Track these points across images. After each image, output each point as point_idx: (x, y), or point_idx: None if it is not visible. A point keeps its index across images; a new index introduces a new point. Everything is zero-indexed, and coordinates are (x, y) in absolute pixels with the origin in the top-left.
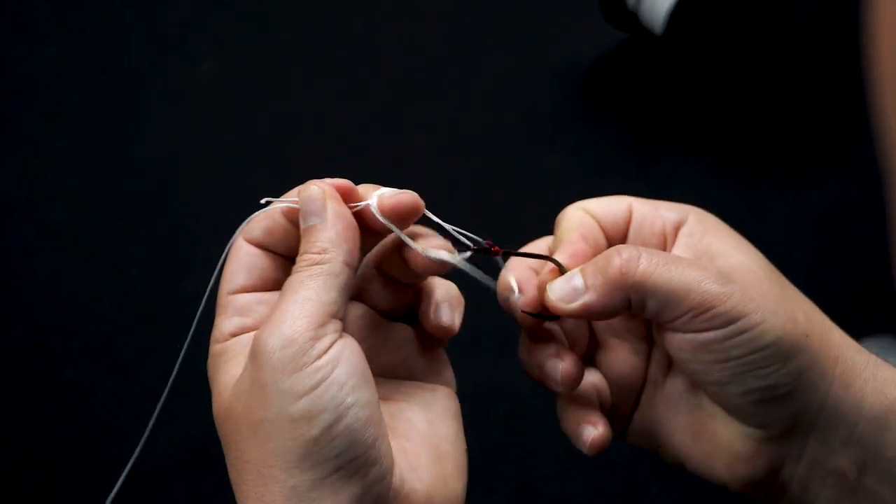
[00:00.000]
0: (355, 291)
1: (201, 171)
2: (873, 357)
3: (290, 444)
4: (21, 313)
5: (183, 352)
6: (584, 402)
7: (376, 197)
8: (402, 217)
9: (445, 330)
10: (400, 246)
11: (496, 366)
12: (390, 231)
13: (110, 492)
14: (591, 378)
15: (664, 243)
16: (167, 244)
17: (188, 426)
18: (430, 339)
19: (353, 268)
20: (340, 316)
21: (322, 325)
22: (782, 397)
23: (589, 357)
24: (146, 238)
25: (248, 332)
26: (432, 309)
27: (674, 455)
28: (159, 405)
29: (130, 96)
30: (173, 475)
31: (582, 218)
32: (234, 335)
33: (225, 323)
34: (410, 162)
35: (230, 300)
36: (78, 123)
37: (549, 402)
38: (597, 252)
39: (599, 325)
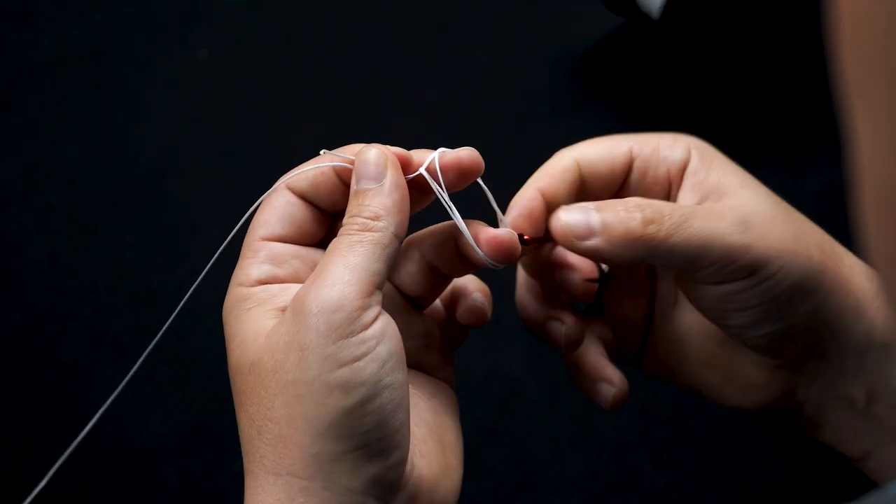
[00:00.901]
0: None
1: (198, 156)
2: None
3: (321, 411)
4: (18, 297)
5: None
6: (595, 359)
7: (435, 156)
8: (463, 176)
9: (480, 314)
10: (457, 236)
11: (493, 348)
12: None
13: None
14: (598, 331)
15: (668, 188)
16: (164, 229)
17: (182, 409)
18: (452, 333)
19: (401, 241)
20: (383, 288)
21: (369, 294)
22: (799, 333)
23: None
24: (143, 223)
25: (278, 282)
26: (470, 296)
27: (689, 384)
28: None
29: (128, 82)
30: (166, 457)
31: (564, 176)
32: (263, 283)
33: (254, 268)
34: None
35: (263, 245)
36: (75, 109)
37: (544, 385)
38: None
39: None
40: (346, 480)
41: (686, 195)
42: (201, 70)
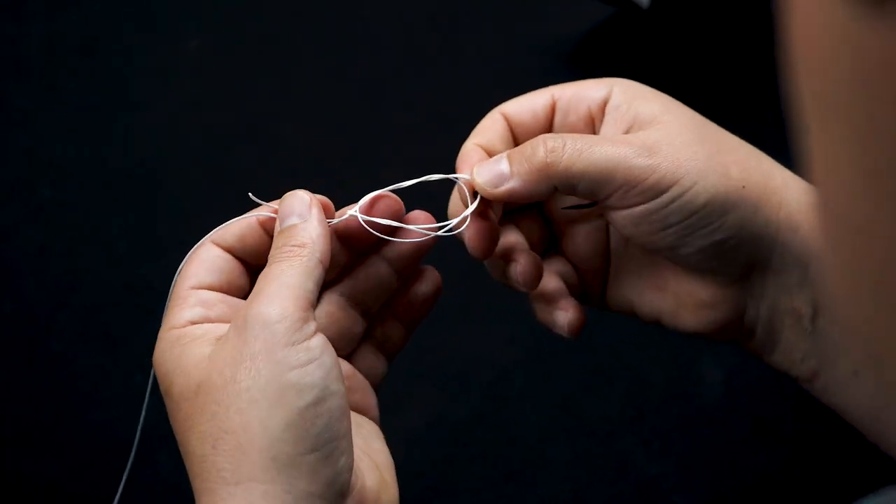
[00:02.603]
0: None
1: (188, 147)
2: None
3: (276, 413)
4: (8, 287)
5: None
6: (553, 291)
7: (356, 207)
8: (388, 209)
9: (432, 278)
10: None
11: (482, 334)
12: (372, 240)
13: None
14: (556, 267)
15: (592, 124)
16: (154, 219)
17: None
18: (410, 307)
19: (325, 270)
20: (314, 309)
21: (306, 309)
22: (731, 249)
23: (553, 249)
24: (133, 213)
25: (209, 322)
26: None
27: (648, 314)
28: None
29: (118, 73)
30: (158, 444)
31: (493, 127)
32: (195, 323)
33: (186, 311)
34: (395, 137)
35: (192, 293)
36: (66, 100)
37: (534, 371)
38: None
39: (554, 214)
40: (305, 484)
41: (608, 128)
42: (192, 61)
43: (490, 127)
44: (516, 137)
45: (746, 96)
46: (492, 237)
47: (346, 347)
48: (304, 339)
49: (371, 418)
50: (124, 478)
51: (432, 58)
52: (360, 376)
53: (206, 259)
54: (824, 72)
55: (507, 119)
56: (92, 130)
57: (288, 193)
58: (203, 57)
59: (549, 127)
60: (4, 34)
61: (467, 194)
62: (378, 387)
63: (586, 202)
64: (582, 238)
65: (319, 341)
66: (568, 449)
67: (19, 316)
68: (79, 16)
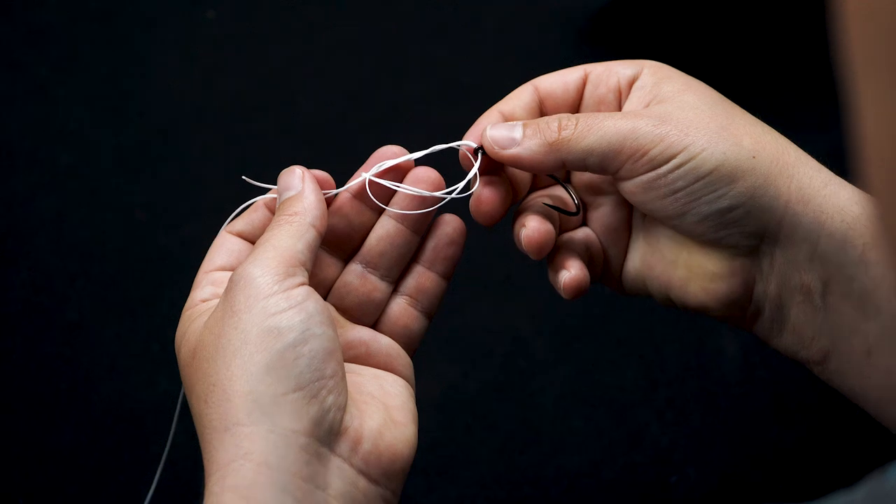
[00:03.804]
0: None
1: (205, 116)
2: (836, 177)
3: (256, 358)
4: (26, 255)
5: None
6: (565, 252)
7: (364, 174)
8: (396, 172)
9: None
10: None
11: (500, 307)
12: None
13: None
14: (580, 235)
15: (619, 99)
16: (171, 188)
17: None
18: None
19: (320, 233)
20: (308, 269)
21: (292, 265)
22: (740, 219)
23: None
24: (150, 182)
25: (218, 298)
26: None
27: (659, 290)
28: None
29: (136, 43)
30: (173, 415)
31: (521, 96)
32: (205, 301)
33: (198, 293)
34: (411, 108)
35: (206, 276)
36: (84, 69)
37: (550, 343)
38: None
39: (583, 186)
40: (289, 422)
41: (632, 104)
42: (208, 31)
43: (517, 95)
44: (545, 109)
45: (761, 71)
46: (496, 205)
47: (370, 314)
48: (286, 290)
49: (401, 376)
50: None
51: (449, 31)
52: (383, 340)
53: (219, 245)
54: (875, 20)
55: (537, 90)
56: (110, 99)
57: (284, 170)
58: (220, 27)
59: (578, 99)
60: (24, 4)
61: (471, 159)
62: (415, 348)
63: (570, 210)
64: (607, 209)
65: (303, 290)
66: (583, 420)
67: (36, 285)
68: None
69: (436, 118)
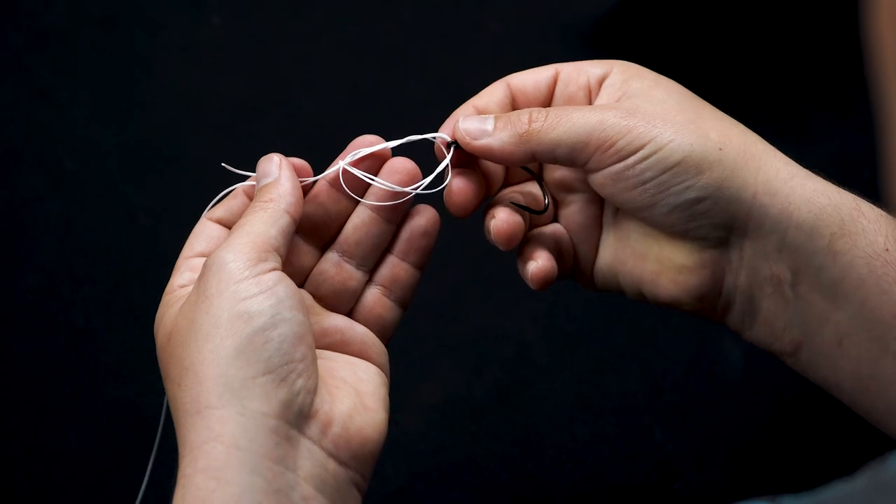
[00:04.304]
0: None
1: (210, 121)
2: (803, 169)
3: (226, 342)
4: (32, 259)
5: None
6: (533, 245)
7: (340, 163)
8: (374, 158)
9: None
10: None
11: (504, 312)
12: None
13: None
14: (549, 230)
15: (589, 97)
16: (176, 193)
17: None
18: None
19: (295, 220)
20: (281, 254)
21: (264, 251)
22: (707, 210)
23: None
24: (155, 187)
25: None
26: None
27: (631, 285)
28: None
29: (141, 48)
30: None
31: (494, 92)
32: (183, 287)
33: (177, 278)
34: (414, 115)
35: (186, 262)
36: (89, 74)
37: (554, 349)
38: None
39: (555, 183)
40: (258, 405)
41: (601, 100)
42: (213, 36)
43: (490, 91)
44: (517, 105)
45: (764, 78)
46: (468, 197)
47: (345, 303)
48: (257, 275)
49: (375, 364)
50: (150, 462)
51: (452, 35)
52: (358, 328)
53: (199, 232)
54: None
55: (510, 87)
56: (115, 104)
57: (262, 158)
58: (224, 31)
59: (549, 96)
60: (29, 8)
61: (444, 151)
62: (389, 336)
63: (537, 209)
64: (578, 206)
65: (274, 276)
66: (586, 426)
67: (42, 289)
68: None
69: (437, 120)
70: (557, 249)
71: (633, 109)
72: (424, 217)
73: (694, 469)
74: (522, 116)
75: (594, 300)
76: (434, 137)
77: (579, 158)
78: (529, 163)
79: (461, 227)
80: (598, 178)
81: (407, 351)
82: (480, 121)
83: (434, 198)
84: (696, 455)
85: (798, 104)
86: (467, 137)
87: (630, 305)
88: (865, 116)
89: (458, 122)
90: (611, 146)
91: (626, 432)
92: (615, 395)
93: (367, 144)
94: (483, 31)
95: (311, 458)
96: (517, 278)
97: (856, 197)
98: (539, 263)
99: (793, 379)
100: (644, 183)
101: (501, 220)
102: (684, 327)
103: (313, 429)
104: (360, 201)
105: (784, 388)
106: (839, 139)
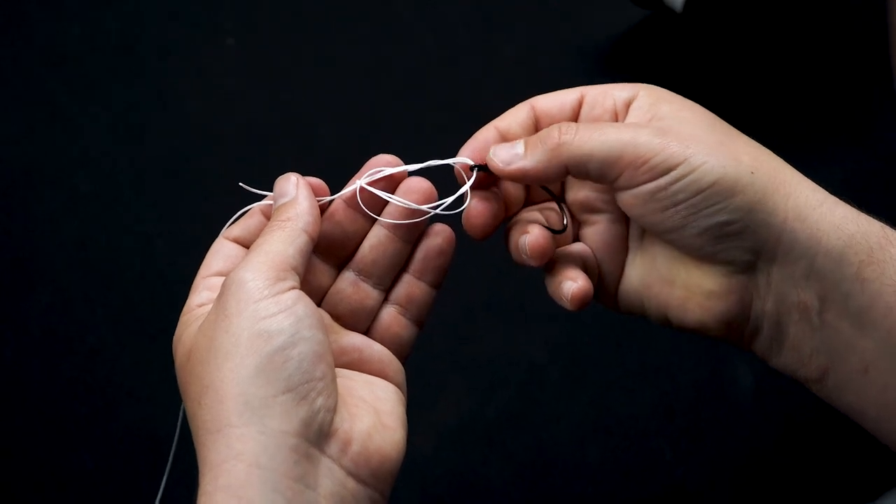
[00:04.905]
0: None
1: (225, 144)
2: (831, 196)
3: (247, 361)
4: (47, 280)
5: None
6: (565, 264)
7: (358, 181)
8: (389, 181)
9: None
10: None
11: (515, 334)
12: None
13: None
14: (576, 248)
15: (615, 120)
16: (190, 215)
17: None
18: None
19: (312, 239)
20: (299, 273)
21: (283, 270)
22: (737, 233)
23: (574, 238)
24: (169, 209)
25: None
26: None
27: (657, 310)
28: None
29: (156, 71)
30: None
31: (517, 114)
32: (202, 306)
33: (195, 297)
34: (428, 136)
35: (203, 281)
36: (105, 97)
37: (566, 371)
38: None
39: (578, 205)
40: (279, 423)
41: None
42: (228, 59)
43: (513, 113)
44: (540, 127)
45: (775, 102)
46: (488, 219)
47: (362, 321)
48: (277, 294)
49: (393, 382)
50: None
51: (467, 57)
52: (375, 347)
53: (216, 251)
54: None
55: (534, 109)
56: (130, 126)
57: (280, 177)
58: (239, 54)
59: (574, 119)
60: (46, 32)
61: (464, 176)
62: (406, 354)
63: (557, 229)
64: (603, 226)
65: (293, 294)
66: (598, 449)
67: (56, 310)
68: (117, 14)
69: (452, 143)
70: (584, 268)
71: (666, 129)
72: (440, 236)
73: (705, 491)
74: (552, 131)
75: (606, 323)
76: (455, 162)
77: (610, 174)
78: (562, 178)
79: (476, 247)
80: (626, 198)
81: (420, 371)
82: (510, 146)
83: (449, 217)
84: (707, 477)
85: (807, 128)
86: (500, 164)
87: (642, 328)
88: (875, 140)
89: (490, 152)
90: (644, 163)
91: (637, 454)
92: (627, 417)
93: (384, 163)
94: (500, 56)
95: (330, 477)
96: (529, 300)
97: (884, 225)
98: (578, 283)
99: (804, 403)
100: (676, 205)
101: (535, 235)
102: (696, 350)
103: (333, 447)
104: (377, 219)
105: (795, 412)
106: (849, 163)
